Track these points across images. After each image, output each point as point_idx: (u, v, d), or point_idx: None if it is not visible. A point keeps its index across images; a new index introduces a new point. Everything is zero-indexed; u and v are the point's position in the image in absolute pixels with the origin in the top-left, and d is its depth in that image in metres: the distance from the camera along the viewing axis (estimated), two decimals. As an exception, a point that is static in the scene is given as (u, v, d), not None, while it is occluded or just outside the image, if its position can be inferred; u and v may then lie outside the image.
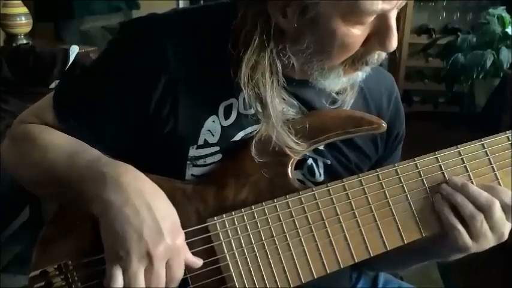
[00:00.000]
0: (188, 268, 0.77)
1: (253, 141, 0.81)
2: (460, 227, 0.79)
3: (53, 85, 2.28)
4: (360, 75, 0.80)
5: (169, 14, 0.84)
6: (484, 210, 0.78)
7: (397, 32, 0.73)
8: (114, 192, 0.71)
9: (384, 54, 0.77)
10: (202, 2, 3.08)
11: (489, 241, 0.80)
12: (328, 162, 0.87)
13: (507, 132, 0.83)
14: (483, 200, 0.78)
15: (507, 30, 3.31)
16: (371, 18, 0.70)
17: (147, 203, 0.71)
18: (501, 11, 3.35)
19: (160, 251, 0.70)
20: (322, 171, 0.87)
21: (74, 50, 2.39)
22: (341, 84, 0.80)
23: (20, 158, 0.85)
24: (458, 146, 0.82)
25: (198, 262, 0.77)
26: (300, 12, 0.71)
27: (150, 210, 0.71)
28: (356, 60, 0.76)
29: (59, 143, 0.81)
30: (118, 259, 0.70)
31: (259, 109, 0.79)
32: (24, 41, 2.53)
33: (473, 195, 0.79)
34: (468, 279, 2.20)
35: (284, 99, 0.81)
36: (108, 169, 0.73)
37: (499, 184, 0.82)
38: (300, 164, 0.86)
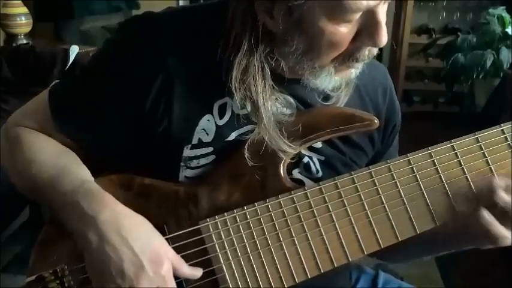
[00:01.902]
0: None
1: (247, 144, 0.81)
2: (509, 234, 0.78)
3: (52, 85, 2.29)
4: (354, 72, 0.80)
5: (166, 13, 0.84)
6: None
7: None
8: (92, 231, 0.72)
9: (375, 50, 0.76)
10: (201, 0, 3.07)
11: None
12: (322, 158, 0.87)
13: (502, 125, 0.82)
14: None
15: (507, 30, 3.30)
16: (358, 16, 0.70)
17: (124, 238, 0.72)
18: (501, 11, 3.33)
19: (144, 285, 0.71)
20: (319, 168, 0.87)
21: (74, 50, 2.39)
22: (334, 83, 0.80)
23: (10, 163, 0.86)
24: (452, 140, 0.81)
25: (196, 273, 0.77)
26: (286, 12, 0.71)
27: (128, 245, 0.72)
28: (346, 58, 0.75)
29: (44, 159, 0.82)
30: None
31: (252, 112, 0.79)
32: (24, 41, 2.53)
33: None
34: (468, 279, 2.20)
35: (278, 99, 0.81)
36: (85, 204, 0.75)
37: None
38: (297, 163, 0.86)
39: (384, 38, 0.72)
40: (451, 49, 3.50)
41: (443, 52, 3.65)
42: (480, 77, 3.28)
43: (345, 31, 0.71)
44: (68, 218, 0.75)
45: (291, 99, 0.83)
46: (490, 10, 3.39)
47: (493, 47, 3.27)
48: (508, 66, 3.23)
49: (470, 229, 0.80)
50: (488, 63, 3.20)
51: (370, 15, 0.71)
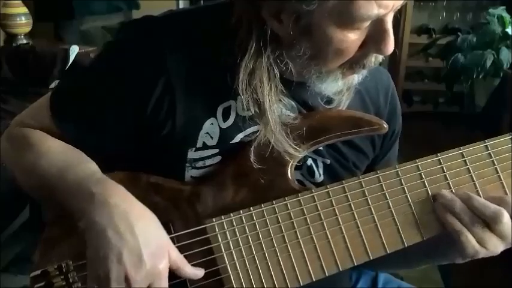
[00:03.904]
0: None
1: (252, 147, 0.81)
2: (466, 232, 0.77)
3: (53, 85, 2.28)
4: (356, 78, 0.80)
5: (167, 16, 0.84)
6: (491, 221, 0.77)
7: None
8: (100, 212, 0.72)
9: (380, 57, 0.77)
10: (202, 2, 3.07)
11: (497, 247, 0.78)
12: (328, 162, 0.87)
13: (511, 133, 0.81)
14: (490, 212, 0.77)
15: (507, 30, 3.30)
16: (367, 24, 0.70)
17: (131, 226, 0.71)
18: (501, 11, 3.33)
19: (139, 276, 0.71)
20: (321, 171, 0.87)
21: (74, 50, 2.39)
22: (337, 88, 0.80)
23: (16, 161, 0.86)
24: (461, 147, 0.81)
25: (198, 273, 0.77)
26: (295, 18, 0.71)
27: (133, 234, 0.71)
28: (354, 64, 0.76)
29: (54, 151, 0.82)
30: (97, 279, 0.71)
31: (258, 115, 0.79)
32: (24, 41, 2.54)
33: (479, 208, 0.77)
34: (468, 279, 2.20)
35: (282, 101, 0.81)
36: (97, 189, 0.74)
37: (503, 186, 0.81)
38: (300, 165, 0.86)
39: (391, 46, 0.72)
40: (451, 49, 3.50)
41: (443, 52, 3.65)
42: (480, 77, 3.28)
43: (353, 38, 0.71)
44: (76, 206, 0.74)
45: (293, 103, 0.83)
46: (490, 10, 3.38)
47: (493, 47, 3.27)
48: (508, 66, 3.23)
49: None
50: (488, 63, 3.20)
51: (378, 24, 0.71)
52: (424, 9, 4.12)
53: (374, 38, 0.72)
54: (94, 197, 0.73)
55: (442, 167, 0.81)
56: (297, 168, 0.85)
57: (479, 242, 0.77)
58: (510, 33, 3.30)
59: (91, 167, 0.80)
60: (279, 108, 0.80)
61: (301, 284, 0.79)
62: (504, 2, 3.52)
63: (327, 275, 0.79)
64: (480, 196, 0.80)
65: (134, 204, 0.75)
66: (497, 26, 3.31)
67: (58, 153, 0.82)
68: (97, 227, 0.71)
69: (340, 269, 0.79)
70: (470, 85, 3.54)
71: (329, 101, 0.85)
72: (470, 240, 0.77)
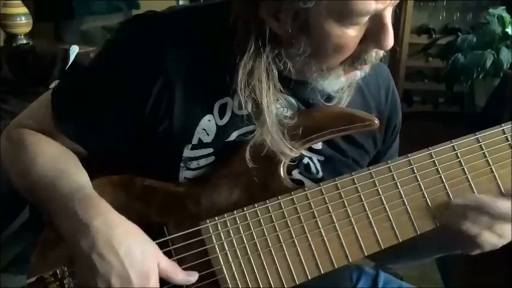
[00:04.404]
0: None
1: (248, 146, 0.81)
2: (483, 234, 0.77)
3: (53, 85, 2.28)
4: (359, 74, 0.80)
5: (167, 13, 0.84)
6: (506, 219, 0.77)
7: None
8: (83, 237, 0.72)
9: (381, 52, 0.77)
10: (202, 0, 3.07)
11: None
12: (322, 159, 0.87)
13: (502, 125, 0.81)
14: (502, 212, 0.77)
15: (507, 30, 3.29)
16: (365, 19, 0.70)
17: (115, 250, 0.71)
18: (501, 11, 3.32)
19: None
20: (319, 169, 0.87)
21: (74, 50, 2.39)
22: (339, 85, 0.80)
23: (12, 163, 0.86)
24: (453, 140, 0.81)
25: (191, 279, 0.77)
26: (293, 16, 0.71)
27: (118, 257, 0.71)
28: (355, 60, 0.76)
29: (47, 159, 0.82)
30: None
31: (255, 114, 0.79)
32: (24, 41, 2.54)
33: (492, 212, 0.77)
34: (468, 279, 2.19)
35: (279, 99, 0.81)
36: (80, 210, 0.74)
37: (495, 178, 0.81)
38: (297, 163, 0.86)
39: (390, 40, 0.72)
40: (451, 49, 3.49)
41: (443, 52, 3.64)
42: (480, 77, 3.27)
43: (352, 34, 0.71)
44: (61, 223, 0.75)
45: (293, 100, 0.84)
46: (490, 10, 3.37)
47: (493, 47, 3.26)
48: (508, 66, 3.22)
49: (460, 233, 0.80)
50: (488, 63, 3.19)
51: (377, 18, 0.71)
52: (424, 9, 4.11)
53: (373, 33, 0.72)
54: (76, 220, 0.73)
55: (434, 161, 0.81)
56: (294, 167, 0.86)
57: (499, 237, 0.78)
58: (510, 33, 3.29)
59: (78, 179, 0.80)
60: (275, 108, 0.80)
61: (297, 283, 0.79)
62: (504, 2, 3.51)
63: (322, 273, 0.79)
64: (473, 190, 0.80)
65: (116, 223, 0.74)
66: (497, 26, 3.31)
67: (50, 161, 0.82)
68: (82, 253, 0.71)
69: (336, 267, 0.79)
70: (470, 85, 3.53)
71: (329, 98, 0.85)
72: (488, 240, 0.78)
